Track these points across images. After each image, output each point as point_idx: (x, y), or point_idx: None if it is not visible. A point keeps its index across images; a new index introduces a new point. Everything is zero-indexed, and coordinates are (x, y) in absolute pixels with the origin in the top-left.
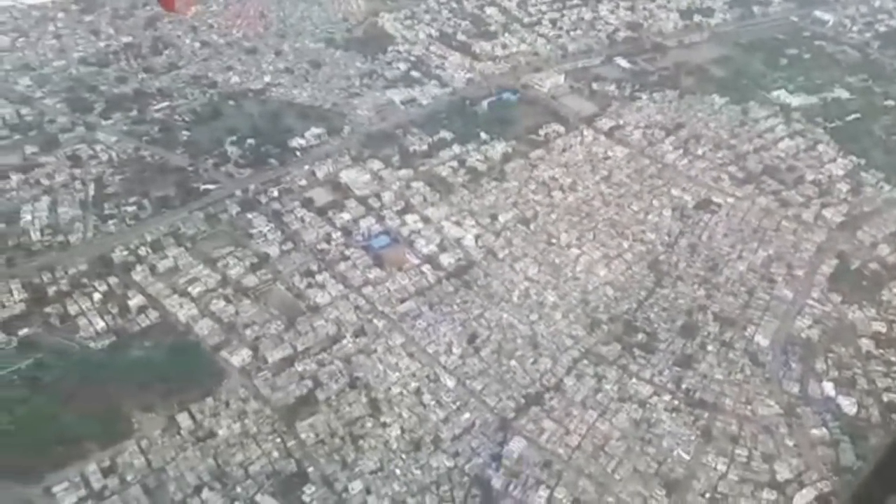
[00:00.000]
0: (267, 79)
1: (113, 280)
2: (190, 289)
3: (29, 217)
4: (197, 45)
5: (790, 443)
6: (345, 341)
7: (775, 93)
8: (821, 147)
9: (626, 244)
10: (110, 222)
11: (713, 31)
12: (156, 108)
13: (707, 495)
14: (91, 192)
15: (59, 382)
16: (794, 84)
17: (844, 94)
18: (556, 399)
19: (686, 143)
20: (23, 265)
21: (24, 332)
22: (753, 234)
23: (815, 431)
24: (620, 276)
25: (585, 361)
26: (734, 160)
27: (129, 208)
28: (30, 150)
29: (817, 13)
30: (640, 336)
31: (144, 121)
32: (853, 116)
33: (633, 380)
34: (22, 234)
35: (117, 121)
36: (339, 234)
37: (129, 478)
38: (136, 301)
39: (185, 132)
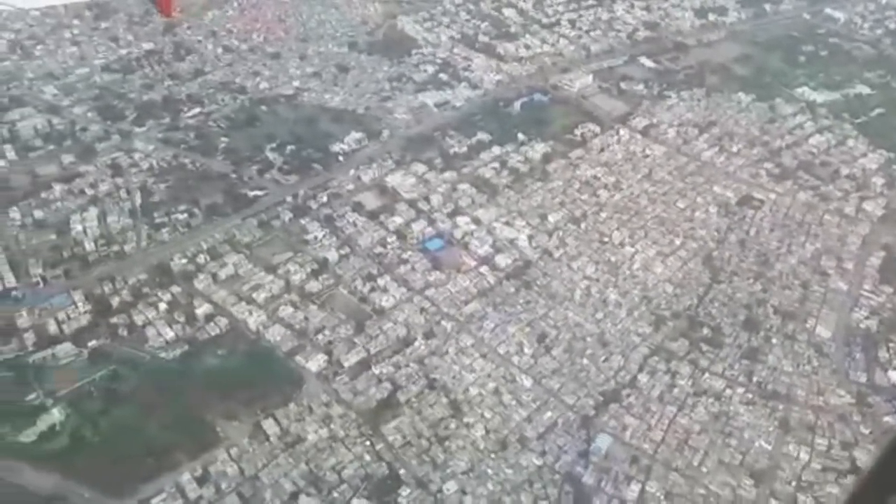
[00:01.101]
0: (296, 84)
1: (175, 289)
2: (255, 295)
3: (79, 227)
4: (219, 50)
5: (865, 431)
6: (416, 343)
7: (798, 90)
8: (850, 142)
9: (677, 241)
10: (163, 231)
11: (730, 30)
12: (188, 114)
13: (793, 484)
14: (138, 201)
15: (136, 393)
16: (815, 81)
17: (865, 90)
18: (634, 396)
19: (720, 140)
20: (81, 276)
21: (92, 343)
22: (798, 228)
23: (887, 419)
24: (677, 272)
25: (656, 358)
26: (769, 156)
27: (181, 216)
28: (67, 159)
29: (828, 11)
30: (705, 331)
31: (178, 128)
32: (877, 111)
33: (706, 374)
34: (75, 244)
35: (151, 128)
36: (393, 237)
37: (223, 486)
38: (203, 309)
39: (222, 139)
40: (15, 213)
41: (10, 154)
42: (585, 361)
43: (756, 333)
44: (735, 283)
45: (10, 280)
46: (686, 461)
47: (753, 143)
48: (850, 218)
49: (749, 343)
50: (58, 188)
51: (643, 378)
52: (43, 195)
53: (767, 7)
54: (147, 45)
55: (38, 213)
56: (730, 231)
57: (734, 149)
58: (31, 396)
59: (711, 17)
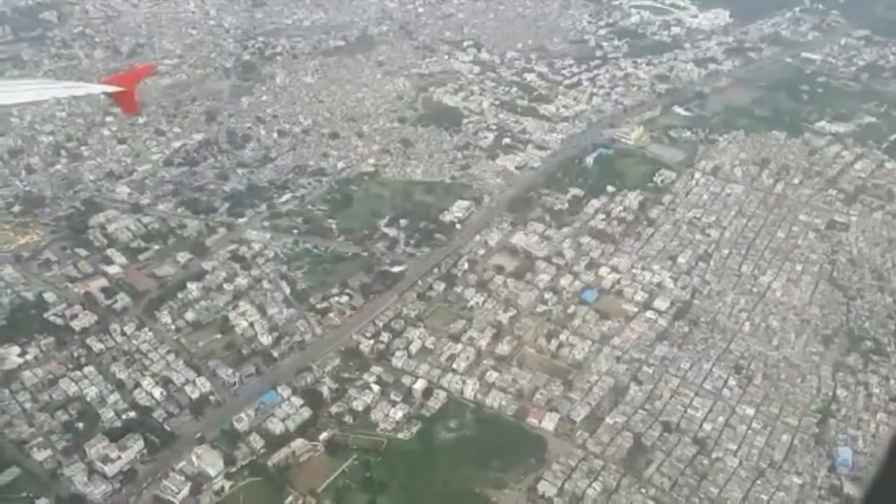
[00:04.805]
0: (371, 161)
1: (376, 370)
2: (454, 365)
3: (244, 323)
4: (274, 135)
5: None
6: (631, 391)
7: (818, 124)
8: (888, 165)
9: (798, 267)
10: (330, 315)
11: (731, 77)
12: (282, 200)
13: None
14: (287, 290)
15: (393, 478)
16: (826, 115)
17: (872, 119)
18: (843, 409)
19: (779, 174)
20: (273, 371)
21: (324, 435)
22: (890, 244)
23: None
24: (817, 294)
25: (841, 373)
26: (827, 184)
27: (341, 299)
28: (182, 257)
29: (805, 54)
30: (868, 343)
31: (280, 214)
32: (894, 137)
33: (892, 381)
34: (248, 340)
35: (251, 218)
36: (549, 294)
37: None
38: (419, 385)
39: (329, 220)
40: (165, 318)
41: (120, 258)
42: (787, 385)
43: None
44: (867, 298)
45: (204, 385)
46: None
47: (809, 174)
48: None
49: None
50: (193, 287)
51: (841, 392)
52: (180, 296)
53: (752, 55)
54: (198, 136)
55: (189, 315)
56: (835, 253)
57: (796, 181)
58: (290, 499)
59: (711, 66)
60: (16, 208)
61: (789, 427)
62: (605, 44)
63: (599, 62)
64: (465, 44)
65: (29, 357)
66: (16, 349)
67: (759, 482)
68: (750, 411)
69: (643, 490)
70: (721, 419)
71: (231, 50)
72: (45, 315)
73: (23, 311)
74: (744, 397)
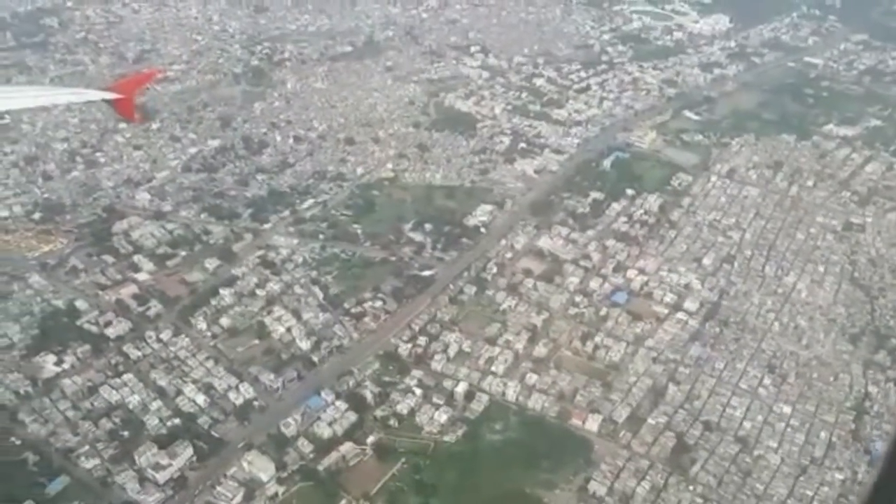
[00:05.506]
0: (389, 166)
1: (416, 373)
2: (493, 368)
3: (281, 329)
4: (290, 140)
5: None
6: (670, 391)
7: (825, 127)
8: None
9: (820, 268)
10: (365, 319)
11: (737, 81)
12: (305, 205)
13: None
14: (320, 295)
15: (442, 480)
16: (834, 119)
17: (877, 123)
18: (875, 405)
19: (792, 177)
20: (315, 376)
21: (371, 439)
22: None
23: None
24: (841, 294)
25: (871, 371)
26: (841, 186)
27: (375, 304)
28: (211, 263)
29: (807, 58)
30: (894, 342)
31: (304, 219)
32: None
33: None
34: (286, 346)
35: (276, 223)
36: (580, 297)
37: None
38: (461, 388)
39: (354, 225)
40: (201, 325)
41: (148, 265)
42: (820, 383)
43: None
44: (889, 297)
45: (248, 391)
46: None
47: (822, 177)
48: None
49: None
50: (226, 293)
51: (873, 389)
52: (213, 302)
53: (755, 59)
54: (214, 142)
55: (225, 321)
56: (854, 253)
57: (809, 183)
58: (343, 503)
59: (716, 71)
60: (36, 216)
61: (827, 424)
62: (609, 49)
63: (606, 67)
64: (472, 49)
65: (66, 365)
66: (52, 357)
67: (802, 478)
68: (787, 409)
69: (691, 488)
70: (760, 417)
71: (238, 56)
72: (78, 323)
73: (54, 320)
74: (779, 396)
